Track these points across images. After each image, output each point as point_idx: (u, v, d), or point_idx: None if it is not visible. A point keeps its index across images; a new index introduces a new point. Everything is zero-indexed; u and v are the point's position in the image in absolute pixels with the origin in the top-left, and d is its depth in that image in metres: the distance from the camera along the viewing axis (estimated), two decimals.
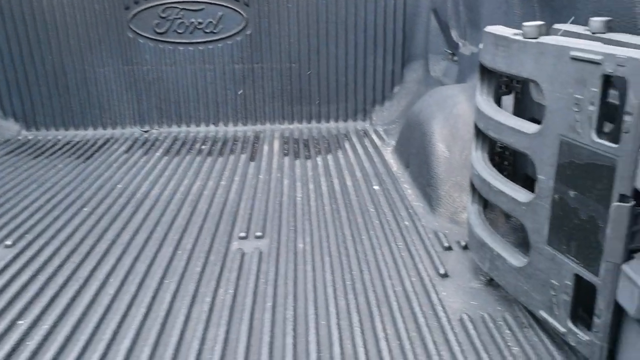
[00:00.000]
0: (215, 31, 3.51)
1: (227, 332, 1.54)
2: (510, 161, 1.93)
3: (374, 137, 3.39)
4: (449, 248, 2.00)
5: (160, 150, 3.24)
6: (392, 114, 3.64)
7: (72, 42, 3.47)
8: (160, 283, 1.78)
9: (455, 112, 2.38)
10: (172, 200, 2.47)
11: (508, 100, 1.85)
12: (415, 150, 2.59)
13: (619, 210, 1.15)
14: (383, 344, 1.48)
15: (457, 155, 2.29)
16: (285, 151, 3.18)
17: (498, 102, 1.78)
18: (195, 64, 3.57)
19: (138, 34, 3.50)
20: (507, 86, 1.83)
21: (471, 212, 1.83)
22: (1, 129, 3.57)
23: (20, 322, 1.59)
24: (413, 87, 3.61)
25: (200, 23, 3.49)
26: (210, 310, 1.63)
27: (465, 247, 1.97)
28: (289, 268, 1.84)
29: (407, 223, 2.22)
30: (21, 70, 3.51)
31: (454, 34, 3.22)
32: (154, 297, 1.70)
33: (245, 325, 1.55)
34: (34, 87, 3.56)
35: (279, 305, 1.65)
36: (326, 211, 2.33)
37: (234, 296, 1.70)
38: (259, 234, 2.11)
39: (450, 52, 3.37)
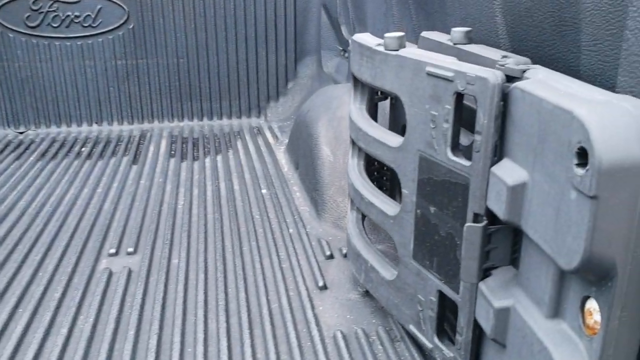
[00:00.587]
0: (94, 25, 3.29)
1: None
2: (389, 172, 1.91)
3: (268, 134, 3.30)
4: (331, 256, 1.96)
5: (35, 154, 3.00)
6: (287, 110, 3.57)
7: None
8: (12, 313, 1.62)
9: (339, 114, 2.34)
10: (40, 213, 2.28)
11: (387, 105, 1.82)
12: (302, 152, 2.53)
13: (471, 230, 1.13)
14: None
15: (340, 159, 2.25)
16: (172, 152, 3.03)
17: (375, 107, 1.73)
18: (73, 60, 3.33)
19: (7, 27, 3.22)
20: (383, 92, 1.80)
21: (350, 220, 1.79)
22: None
23: None
24: (307, 82, 3.55)
25: (77, 16, 3.26)
26: (66, 342, 1.50)
27: (346, 256, 1.94)
28: (158, 289, 1.73)
29: (291, 230, 2.16)
30: None
31: (344, 31, 3.18)
32: (1, 332, 1.54)
33: (102, 358, 1.43)
34: None
35: (142, 333, 1.54)
36: (208, 220, 2.22)
37: (94, 325, 1.57)
38: (130, 249, 1.97)
39: (341, 48, 3.33)
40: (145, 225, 2.16)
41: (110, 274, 1.82)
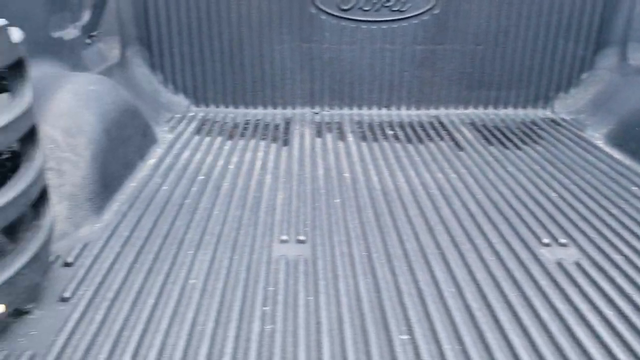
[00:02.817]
0: (402, 9, 3.36)
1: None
2: None
3: (570, 127, 3.23)
4: None
5: (351, 135, 3.13)
6: (578, 102, 3.47)
7: (253, 16, 3.35)
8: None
9: None
10: (416, 192, 2.37)
11: None
12: None
13: None
14: None
15: None
16: (485, 140, 3.05)
17: None
18: (376, 43, 3.43)
19: (321, 10, 3.37)
20: None
21: None
22: (172, 104, 3.49)
23: None
24: (605, 75, 3.43)
25: (388, 1, 3.34)
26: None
27: None
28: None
29: None
30: (197, 45, 3.41)
31: None
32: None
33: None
34: (208, 63, 3.46)
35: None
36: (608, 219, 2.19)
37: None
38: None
39: None
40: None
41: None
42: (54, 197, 1.96)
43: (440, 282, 1.72)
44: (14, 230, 1.71)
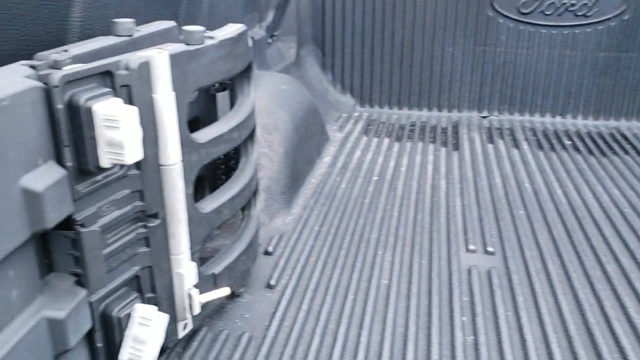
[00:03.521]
0: (588, 14, 3.19)
1: None
2: None
3: None
4: None
5: (525, 143, 3.02)
6: None
7: (428, 18, 3.34)
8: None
9: None
10: (608, 209, 2.24)
11: None
12: None
13: None
14: None
15: None
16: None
17: None
18: (555, 49, 3.28)
19: (499, 12, 3.28)
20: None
21: None
22: (339, 103, 3.57)
23: None
24: None
25: (572, 5, 3.18)
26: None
27: None
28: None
29: None
30: (368, 46, 3.46)
31: None
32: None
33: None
34: (377, 64, 3.50)
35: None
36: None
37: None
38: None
39: None
40: None
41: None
42: None
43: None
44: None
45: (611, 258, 1.89)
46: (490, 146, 3.00)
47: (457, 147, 2.99)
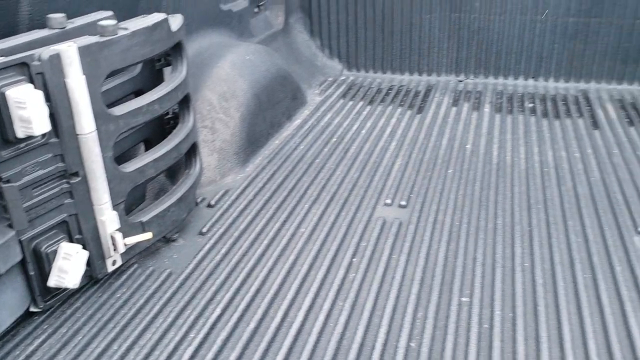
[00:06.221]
0: None
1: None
2: None
3: None
4: None
5: (488, 106, 3.21)
6: None
7: None
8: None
9: None
10: (531, 169, 2.45)
11: None
12: None
13: None
14: None
15: None
16: (627, 119, 2.95)
17: None
18: (526, 14, 3.41)
19: None
20: None
21: None
22: (327, 67, 3.82)
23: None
24: None
25: None
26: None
27: None
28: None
29: None
30: (352, 13, 3.68)
31: None
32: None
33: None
34: (361, 30, 3.72)
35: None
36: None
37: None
38: None
39: None
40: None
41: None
42: (206, 150, 2.43)
43: (517, 256, 1.86)
44: (174, 175, 2.20)
45: (509, 212, 2.13)
46: (453, 109, 3.21)
47: (421, 110, 3.21)
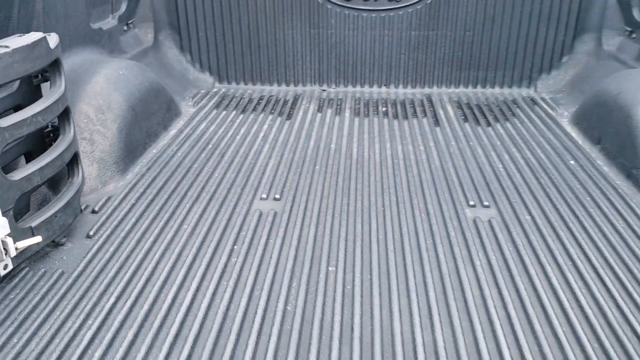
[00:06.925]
0: (398, 0, 3.76)
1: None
2: None
3: (544, 105, 3.58)
4: None
5: (348, 111, 3.59)
6: (559, 83, 3.81)
7: (267, 6, 3.83)
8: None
9: None
10: (384, 161, 2.83)
11: None
12: (613, 130, 2.79)
13: None
14: None
15: None
16: (463, 117, 3.45)
17: None
18: (375, 29, 3.85)
19: (328, 0, 3.81)
20: None
21: None
22: (199, 81, 4.03)
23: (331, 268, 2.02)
24: (582, 58, 3.75)
25: None
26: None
27: None
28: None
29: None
30: (220, 29, 3.92)
31: (636, 12, 3.33)
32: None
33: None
34: (229, 45, 3.97)
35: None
36: (534, 187, 2.60)
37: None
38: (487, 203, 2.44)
39: (629, 29, 3.48)
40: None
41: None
42: (87, 161, 2.55)
43: (373, 231, 2.20)
44: (56, 185, 2.31)
45: (366, 197, 2.48)
46: (318, 115, 3.55)
47: (290, 116, 3.52)
